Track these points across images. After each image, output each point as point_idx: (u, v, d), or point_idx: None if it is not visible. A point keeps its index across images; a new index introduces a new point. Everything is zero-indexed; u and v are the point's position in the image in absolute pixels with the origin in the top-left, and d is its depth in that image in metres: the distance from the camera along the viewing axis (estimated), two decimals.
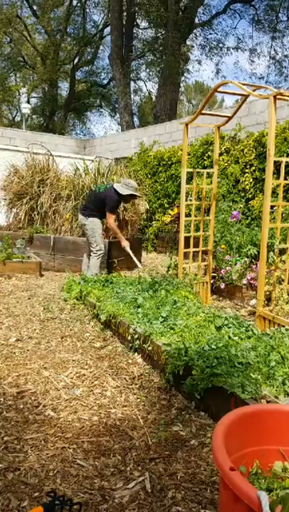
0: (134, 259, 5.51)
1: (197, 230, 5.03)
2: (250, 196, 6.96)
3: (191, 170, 4.58)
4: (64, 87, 24.81)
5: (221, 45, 17.93)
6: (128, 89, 16.49)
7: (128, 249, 5.45)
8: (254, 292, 4.49)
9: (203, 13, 17.13)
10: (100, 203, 5.23)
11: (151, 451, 1.96)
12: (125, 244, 5.43)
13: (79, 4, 20.85)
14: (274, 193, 5.74)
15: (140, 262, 6.90)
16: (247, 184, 6.97)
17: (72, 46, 22.22)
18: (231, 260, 5.01)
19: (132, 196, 5.37)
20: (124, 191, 5.19)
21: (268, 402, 2.02)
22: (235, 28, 26.33)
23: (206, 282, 4.66)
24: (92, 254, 5.34)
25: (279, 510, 1.00)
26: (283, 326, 3.11)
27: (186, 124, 4.54)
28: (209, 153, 7.73)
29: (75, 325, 3.75)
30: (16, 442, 2.00)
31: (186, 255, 4.64)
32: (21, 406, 2.33)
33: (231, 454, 1.26)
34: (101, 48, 22.98)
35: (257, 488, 1.07)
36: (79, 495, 1.66)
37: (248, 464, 1.40)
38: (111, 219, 5.23)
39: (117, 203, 5.30)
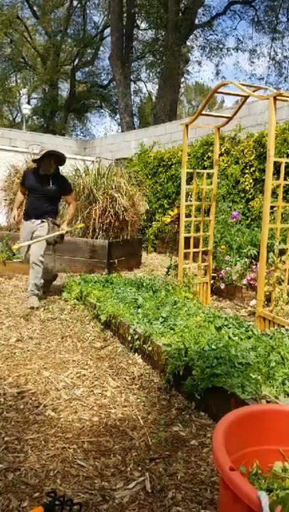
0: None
1: (197, 230, 5.03)
2: (250, 197, 6.97)
3: (191, 170, 4.59)
4: (64, 88, 24.88)
5: (221, 46, 17.95)
6: (128, 90, 16.50)
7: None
8: (254, 293, 4.49)
9: (203, 14, 17.17)
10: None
11: (152, 451, 1.97)
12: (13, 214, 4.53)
13: (79, 5, 20.88)
14: (274, 194, 5.75)
15: (141, 262, 6.90)
16: (247, 185, 6.97)
17: (72, 47, 22.26)
18: (231, 261, 5.02)
19: (45, 156, 4.34)
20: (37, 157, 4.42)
21: (267, 402, 2.02)
22: (235, 28, 26.47)
23: (206, 283, 4.66)
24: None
25: (279, 510, 1.00)
26: (283, 327, 3.11)
27: (186, 125, 4.54)
28: (209, 153, 7.74)
29: (75, 325, 3.75)
30: (16, 442, 2.00)
31: (186, 256, 4.65)
32: (22, 406, 2.33)
33: (231, 454, 1.26)
34: (101, 48, 23.05)
35: (257, 489, 1.07)
36: (79, 495, 1.66)
37: (248, 464, 1.40)
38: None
39: (27, 173, 4.57)
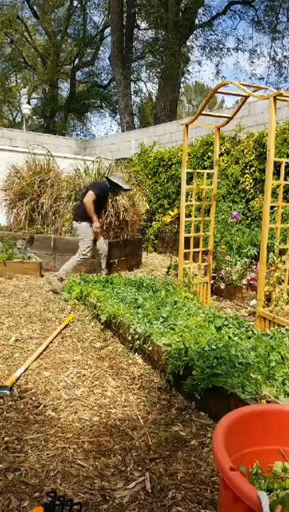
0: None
1: (197, 230, 5.03)
2: (250, 197, 6.96)
3: (191, 170, 4.59)
4: (64, 88, 24.86)
5: (221, 45, 17.89)
6: (128, 90, 16.48)
7: (98, 232, 5.19)
8: (254, 292, 4.49)
9: (204, 14, 17.12)
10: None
11: (152, 451, 1.97)
12: (96, 225, 5.07)
13: (79, 5, 20.87)
14: (274, 194, 5.75)
15: (141, 262, 6.92)
16: (247, 185, 6.97)
17: (72, 47, 22.24)
18: (231, 260, 5.02)
19: (118, 187, 5.26)
20: (113, 179, 5.26)
21: (268, 402, 2.02)
22: (235, 28, 26.43)
23: (206, 283, 4.66)
24: (77, 253, 5.10)
25: (279, 510, 1.00)
26: (283, 326, 3.11)
27: (186, 125, 4.54)
28: (209, 153, 7.73)
29: (75, 325, 3.75)
30: (16, 442, 2.00)
31: (186, 256, 4.65)
32: (22, 406, 2.33)
33: (231, 454, 1.26)
34: (101, 48, 23.01)
35: (257, 489, 1.07)
36: (79, 495, 1.66)
37: (248, 464, 1.40)
38: (90, 197, 4.95)
39: (104, 186, 5.26)
